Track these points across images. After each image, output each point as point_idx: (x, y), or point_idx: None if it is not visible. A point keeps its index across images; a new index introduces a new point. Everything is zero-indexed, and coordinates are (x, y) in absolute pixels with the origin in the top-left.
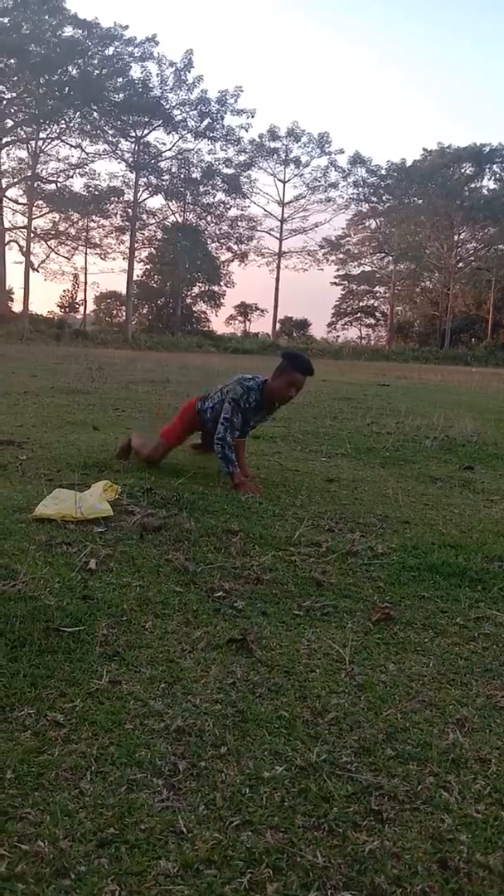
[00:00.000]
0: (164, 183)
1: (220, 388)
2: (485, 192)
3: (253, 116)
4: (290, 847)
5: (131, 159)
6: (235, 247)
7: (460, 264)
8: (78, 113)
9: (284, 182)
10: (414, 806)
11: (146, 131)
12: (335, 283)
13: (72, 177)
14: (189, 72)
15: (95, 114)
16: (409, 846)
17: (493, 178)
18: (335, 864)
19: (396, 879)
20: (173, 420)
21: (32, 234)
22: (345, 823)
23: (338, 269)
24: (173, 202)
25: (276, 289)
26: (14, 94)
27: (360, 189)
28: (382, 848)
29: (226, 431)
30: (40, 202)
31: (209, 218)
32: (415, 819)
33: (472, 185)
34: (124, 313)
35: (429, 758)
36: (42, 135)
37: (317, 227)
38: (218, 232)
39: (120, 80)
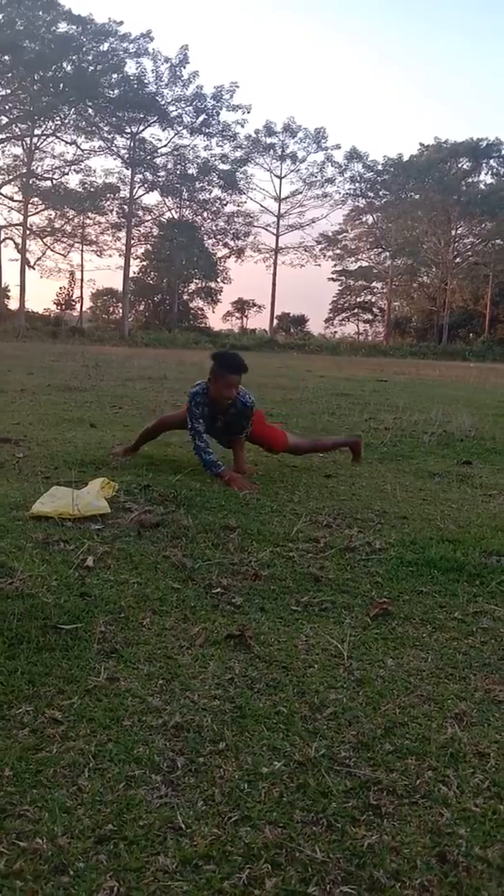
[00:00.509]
0: (159, 179)
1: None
2: (482, 186)
3: (249, 112)
4: (288, 842)
5: (127, 156)
6: (232, 243)
7: (457, 259)
8: (73, 109)
9: (281, 178)
10: (413, 800)
11: (141, 127)
12: (332, 279)
13: (67, 173)
14: (184, 67)
15: (90, 110)
16: (408, 840)
17: (489, 172)
18: (334, 858)
19: (395, 873)
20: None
21: (28, 232)
22: (343, 818)
23: (335, 265)
24: (169, 198)
25: (273, 285)
26: (8, 91)
27: (357, 184)
28: (381, 842)
29: (193, 439)
30: (36, 199)
31: (205, 214)
32: (413, 813)
33: (469, 180)
34: (121, 310)
35: (427, 752)
36: (37, 131)
37: (313, 222)
38: (214, 228)
39: (115, 76)
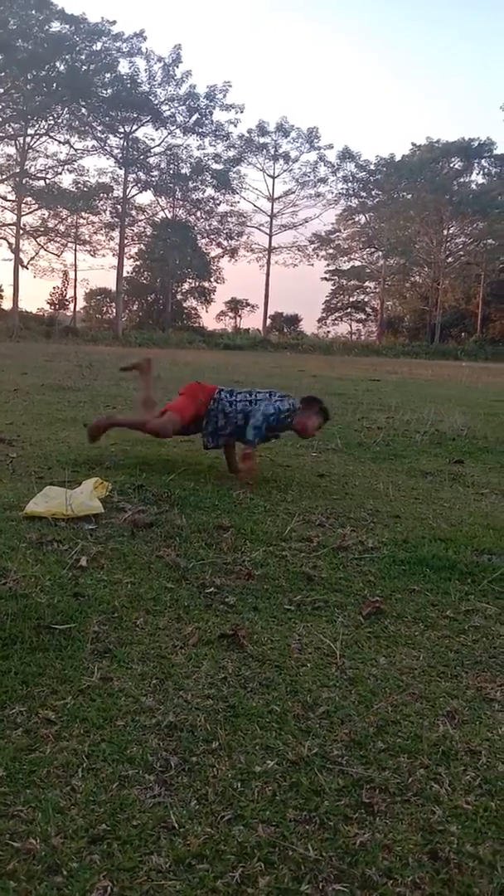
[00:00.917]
0: (153, 179)
1: (250, 391)
2: (473, 186)
3: (242, 112)
4: (281, 841)
5: (120, 155)
6: (225, 242)
7: (449, 259)
8: (66, 109)
9: (274, 177)
10: (405, 798)
11: (135, 127)
12: (325, 279)
13: (60, 173)
14: (177, 67)
15: (84, 110)
16: (400, 838)
17: (481, 172)
18: (326, 856)
19: (388, 871)
20: (180, 399)
21: (21, 231)
22: (336, 816)
23: (328, 265)
24: (162, 198)
25: (267, 284)
26: (1, 91)
27: (350, 184)
28: (373, 840)
29: (255, 433)
30: (29, 199)
31: (199, 214)
32: (406, 811)
33: (461, 180)
34: (114, 310)
35: (419, 750)
36: (30, 131)
37: (306, 222)
38: (208, 228)
39: (108, 75)
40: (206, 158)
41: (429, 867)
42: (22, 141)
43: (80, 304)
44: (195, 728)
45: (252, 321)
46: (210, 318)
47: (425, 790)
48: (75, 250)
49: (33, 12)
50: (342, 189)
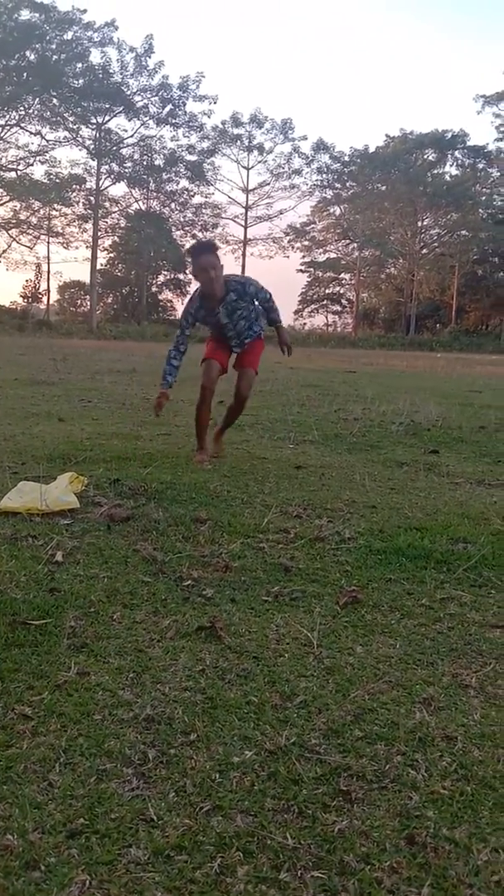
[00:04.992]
0: (126, 170)
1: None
2: (447, 178)
3: (215, 103)
4: (260, 830)
5: (92, 146)
6: (200, 234)
7: (424, 250)
8: (37, 99)
9: (248, 169)
10: (382, 785)
11: (107, 118)
12: (301, 271)
13: (32, 164)
14: (150, 57)
15: (55, 100)
16: (378, 824)
17: (454, 164)
18: (305, 844)
19: (365, 857)
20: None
21: None
22: (314, 805)
23: (303, 256)
24: (136, 190)
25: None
26: None
27: (324, 175)
28: (351, 827)
29: (173, 344)
30: (0, 191)
31: (173, 205)
32: (383, 798)
33: (435, 172)
34: (88, 303)
35: (396, 737)
36: (0, 122)
37: (281, 213)
38: (182, 219)
39: (79, 65)
40: (179, 149)
41: (406, 852)
42: None
43: (54, 297)
44: (173, 720)
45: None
46: None
47: (402, 776)
48: (48, 242)
49: (2, 0)
50: (317, 180)
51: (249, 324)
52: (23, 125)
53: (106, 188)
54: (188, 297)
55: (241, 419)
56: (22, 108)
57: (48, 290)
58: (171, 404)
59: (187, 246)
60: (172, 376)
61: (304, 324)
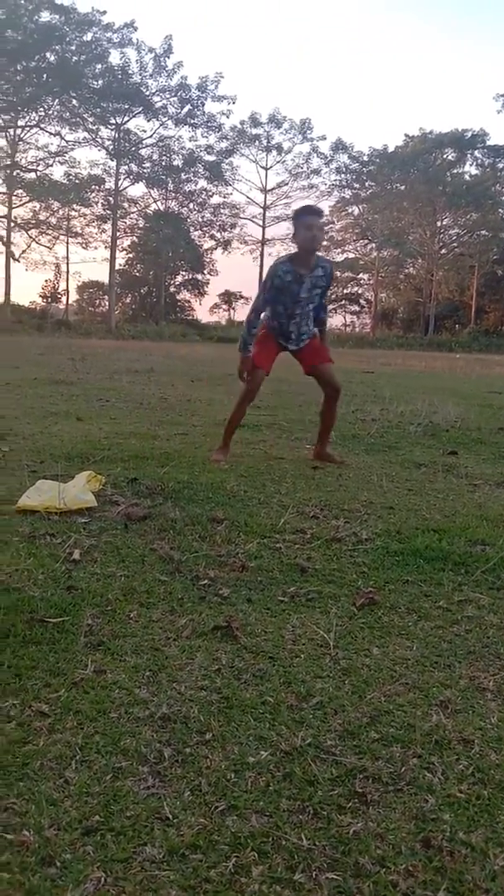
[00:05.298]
0: (145, 171)
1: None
2: (467, 177)
3: (234, 103)
4: (275, 830)
5: (111, 147)
6: (218, 234)
7: (443, 250)
8: (57, 100)
9: (267, 169)
10: (398, 787)
11: (126, 118)
12: None
13: (52, 165)
14: (168, 58)
15: (74, 101)
16: (393, 827)
17: (474, 163)
18: (320, 846)
19: (381, 859)
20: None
21: (13, 224)
22: (329, 806)
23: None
24: (155, 190)
25: (261, 277)
26: None
27: (343, 175)
28: (367, 829)
29: (250, 313)
30: (20, 191)
31: (191, 206)
32: (398, 800)
33: (455, 171)
34: (107, 303)
35: (412, 740)
36: (21, 122)
37: None
38: (200, 220)
39: (99, 66)
40: (198, 150)
41: (421, 855)
42: (12, 132)
43: (73, 297)
44: (189, 719)
45: (246, 313)
46: (204, 310)
47: (418, 779)
48: (67, 243)
49: (22, 2)
50: (335, 180)
51: (314, 314)
52: (42, 126)
53: (125, 188)
54: (277, 262)
55: (258, 419)
56: (42, 109)
57: (67, 290)
58: (188, 403)
59: (298, 208)
60: (252, 344)
61: None
